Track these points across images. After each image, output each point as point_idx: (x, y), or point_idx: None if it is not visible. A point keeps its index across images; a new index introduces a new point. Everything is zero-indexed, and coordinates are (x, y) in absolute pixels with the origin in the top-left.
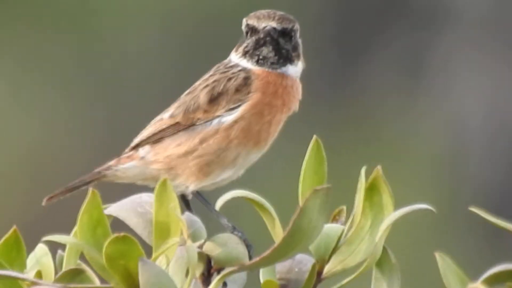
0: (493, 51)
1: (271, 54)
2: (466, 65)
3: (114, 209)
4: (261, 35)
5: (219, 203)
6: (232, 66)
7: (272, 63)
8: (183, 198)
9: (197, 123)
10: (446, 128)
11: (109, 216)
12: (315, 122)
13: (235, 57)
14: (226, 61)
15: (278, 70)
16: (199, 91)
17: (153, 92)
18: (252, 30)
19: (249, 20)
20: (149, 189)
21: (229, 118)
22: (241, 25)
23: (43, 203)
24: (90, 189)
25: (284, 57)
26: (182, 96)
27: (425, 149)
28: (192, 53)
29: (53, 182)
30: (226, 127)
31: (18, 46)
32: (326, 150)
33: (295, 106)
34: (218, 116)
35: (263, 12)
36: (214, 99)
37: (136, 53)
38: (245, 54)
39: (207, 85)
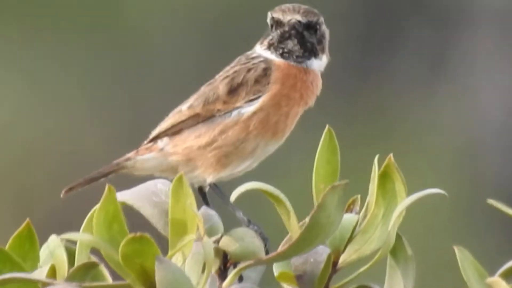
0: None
1: (296, 47)
2: (486, 59)
3: (130, 197)
4: (286, 28)
5: (234, 196)
6: (253, 57)
7: (297, 56)
8: (200, 191)
9: (217, 114)
10: (465, 121)
11: (122, 203)
12: (333, 114)
13: (260, 50)
14: (249, 52)
15: (302, 64)
16: (218, 82)
17: (174, 84)
18: (277, 23)
19: (274, 14)
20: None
21: (249, 109)
22: (264, 18)
23: (62, 195)
24: (107, 185)
25: (309, 50)
26: (202, 87)
27: (444, 142)
28: (214, 45)
29: (72, 174)
30: (246, 118)
31: (38, 40)
32: (343, 141)
33: (311, 101)
34: (238, 107)
35: (288, 5)
36: (233, 90)
37: (158, 45)
38: (269, 46)
39: (227, 76)
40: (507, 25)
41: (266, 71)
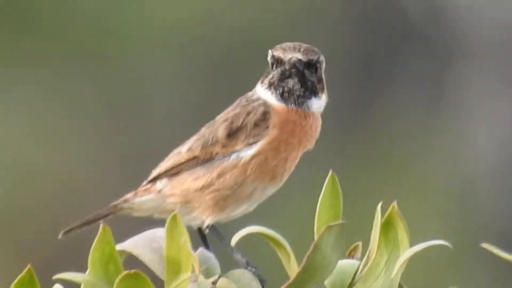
0: (508, 79)
1: (297, 86)
2: (483, 97)
3: (128, 245)
4: (287, 66)
5: (234, 239)
6: (253, 100)
7: (298, 96)
8: (199, 232)
9: (216, 157)
10: (461, 164)
11: (123, 252)
12: (332, 158)
13: (261, 89)
14: (249, 93)
15: (303, 106)
16: (218, 124)
17: (174, 125)
18: (278, 61)
19: (275, 52)
20: (163, 224)
21: (248, 153)
22: (265, 57)
23: (59, 237)
24: (101, 225)
25: (310, 89)
26: (202, 129)
27: (440, 184)
28: (215, 85)
29: (70, 216)
30: (244, 162)
31: (39, 76)
32: (342, 185)
33: (311, 144)
34: (237, 151)
35: (289, 44)
36: (232, 134)
37: (158, 85)
38: (270, 85)
39: (226, 119)
40: (503, 57)
41: (265, 115)
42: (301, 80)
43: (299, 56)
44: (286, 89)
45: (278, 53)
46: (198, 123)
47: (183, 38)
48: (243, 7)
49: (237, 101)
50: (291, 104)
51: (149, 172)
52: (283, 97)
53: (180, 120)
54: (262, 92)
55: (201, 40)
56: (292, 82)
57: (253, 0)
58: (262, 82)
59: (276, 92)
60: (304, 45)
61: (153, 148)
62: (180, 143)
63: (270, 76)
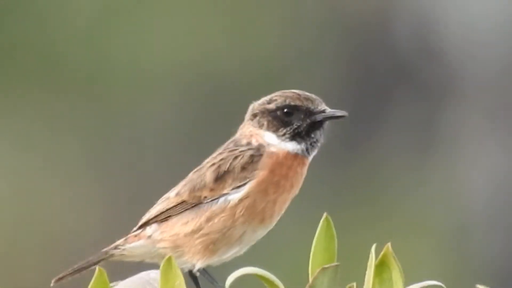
0: (499, 122)
1: (321, 138)
2: (475, 138)
3: (123, 287)
4: (318, 118)
5: (229, 281)
6: (243, 145)
7: (316, 148)
8: (191, 275)
9: (204, 201)
10: (455, 204)
11: None
12: (323, 196)
13: (272, 136)
14: (237, 137)
15: (309, 155)
16: (205, 169)
17: (162, 170)
18: (303, 111)
19: (297, 101)
20: (158, 266)
21: (235, 196)
22: (255, 96)
23: (52, 285)
24: (97, 268)
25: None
26: (190, 174)
27: (434, 224)
28: (205, 129)
29: (62, 261)
30: (232, 205)
31: (30, 111)
32: (336, 225)
33: (298, 189)
34: (225, 194)
35: (307, 94)
36: (220, 178)
37: (146, 129)
38: (296, 135)
39: (213, 164)
40: (494, 97)
41: (253, 158)
42: (324, 132)
43: (328, 108)
44: (314, 140)
45: (305, 103)
46: (187, 169)
47: (172, 80)
48: (235, 48)
49: (224, 146)
50: (307, 153)
51: (139, 217)
52: (308, 148)
53: (169, 165)
54: (275, 139)
55: (190, 83)
56: (319, 134)
57: (246, 40)
58: (276, 131)
59: (304, 143)
60: (315, 95)
61: (144, 194)
62: (170, 187)
63: (295, 126)
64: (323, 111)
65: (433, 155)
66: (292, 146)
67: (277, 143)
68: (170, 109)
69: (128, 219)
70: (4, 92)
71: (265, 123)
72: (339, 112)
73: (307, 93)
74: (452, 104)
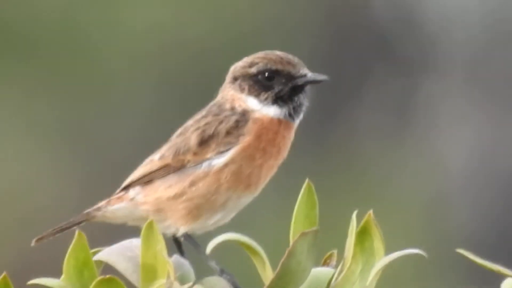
0: (477, 98)
1: (305, 102)
2: (451, 111)
3: (103, 254)
4: (299, 82)
5: (210, 246)
6: (226, 109)
7: (300, 112)
8: (175, 240)
9: (187, 166)
10: (431, 172)
11: (100, 263)
12: (304, 167)
13: (254, 101)
14: (220, 101)
15: (295, 120)
16: (190, 133)
17: (148, 130)
18: (284, 76)
19: (279, 65)
20: (139, 233)
21: (219, 161)
22: (229, 64)
23: (32, 244)
24: (77, 231)
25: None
26: (173, 137)
27: (415, 196)
28: (182, 99)
29: (44, 224)
30: (216, 171)
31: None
32: (318, 194)
33: (286, 154)
34: (208, 159)
35: (290, 56)
36: (204, 142)
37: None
38: (277, 99)
39: (198, 128)
40: (472, 74)
41: (238, 123)
42: (306, 95)
43: (309, 72)
44: (297, 103)
45: (286, 68)
46: (165, 137)
47: (150, 48)
48: (213, 17)
49: (207, 108)
50: (292, 118)
51: (122, 181)
52: (292, 112)
53: (148, 136)
54: (256, 104)
55: (168, 52)
56: (302, 97)
57: (225, 13)
58: (259, 96)
59: (286, 107)
60: (297, 59)
61: (120, 167)
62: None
63: (276, 90)
64: (305, 75)
65: (411, 125)
66: (274, 111)
67: (259, 108)
68: (147, 76)
69: (107, 188)
70: None
71: (246, 87)
72: (320, 76)
73: (289, 56)
74: (431, 78)
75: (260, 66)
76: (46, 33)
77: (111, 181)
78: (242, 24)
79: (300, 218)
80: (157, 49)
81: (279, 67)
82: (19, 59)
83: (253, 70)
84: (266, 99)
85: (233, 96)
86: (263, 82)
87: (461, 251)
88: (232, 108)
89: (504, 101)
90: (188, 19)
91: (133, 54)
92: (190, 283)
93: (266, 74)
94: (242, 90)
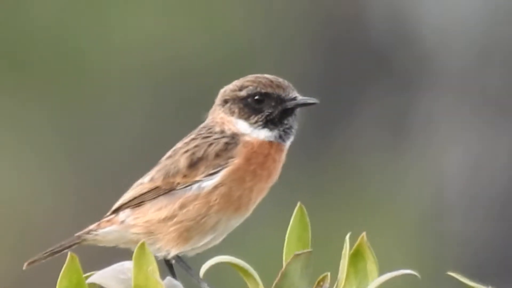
0: (473, 109)
1: (295, 124)
2: (448, 126)
3: (96, 277)
4: (289, 106)
5: (203, 269)
6: (216, 132)
7: (290, 134)
8: (166, 262)
9: (177, 188)
10: (428, 188)
11: (94, 285)
12: (298, 185)
13: (244, 124)
14: (209, 124)
15: (286, 142)
16: (179, 155)
17: (137, 156)
18: (274, 99)
19: (269, 89)
20: (131, 256)
21: (209, 183)
22: (228, 82)
23: (24, 267)
24: (69, 254)
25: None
26: (163, 159)
27: (407, 209)
28: (178, 115)
29: (34, 246)
30: (206, 193)
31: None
32: (311, 214)
33: (277, 177)
34: (198, 181)
35: (280, 80)
36: (193, 164)
37: (120, 114)
38: (267, 122)
39: (187, 150)
40: (467, 86)
41: (228, 146)
42: (295, 118)
43: (299, 95)
44: (287, 126)
45: (276, 91)
46: (159, 153)
47: (143, 61)
48: (206, 35)
49: (196, 131)
50: (283, 140)
51: (111, 201)
52: (283, 134)
53: (142, 150)
54: (247, 128)
55: (161, 65)
56: (292, 120)
57: (219, 26)
58: (248, 119)
59: (277, 130)
60: (287, 82)
61: (115, 179)
62: (142, 173)
63: (266, 113)
64: (294, 99)
65: (408, 140)
66: (264, 134)
67: (249, 131)
68: (140, 88)
69: (100, 202)
70: None
71: (236, 110)
72: (310, 100)
73: (279, 79)
74: (426, 90)
75: (250, 89)
76: (39, 42)
77: (105, 191)
78: (236, 39)
79: (293, 240)
80: (151, 62)
81: (269, 90)
82: (12, 69)
83: (243, 93)
84: (256, 122)
85: (223, 119)
86: (253, 105)
87: (452, 273)
88: (222, 131)
89: (501, 115)
90: (181, 33)
91: (126, 66)
92: None
93: (256, 97)
94: (232, 113)
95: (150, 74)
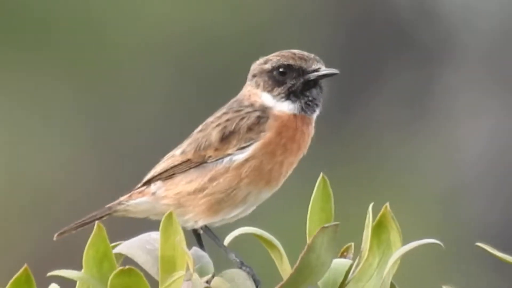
0: (494, 89)
1: (319, 96)
2: (468, 102)
3: (123, 247)
4: (312, 77)
5: (228, 239)
6: (247, 106)
7: (316, 105)
8: (194, 232)
9: (208, 161)
10: (448, 162)
11: (119, 255)
12: (320, 159)
13: (268, 96)
14: (240, 98)
15: (312, 115)
16: (211, 129)
17: (166, 128)
18: (296, 70)
19: (291, 61)
20: (158, 227)
21: (240, 156)
22: (253, 60)
23: (54, 238)
24: (96, 224)
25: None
26: (194, 132)
27: (429, 183)
28: (204, 88)
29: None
30: (237, 166)
31: (19, 86)
32: (332, 187)
33: (306, 150)
34: (229, 155)
35: (303, 53)
36: (225, 138)
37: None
38: (290, 94)
39: (219, 124)
40: (489, 64)
41: (260, 119)
42: (321, 90)
43: (323, 67)
44: (310, 98)
45: (298, 62)
46: (185, 128)
47: (166, 35)
48: (230, 14)
49: (228, 105)
50: (306, 112)
51: (143, 176)
52: (305, 106)
53: (169, 123)
54: (270, 100)
55: (182, 40)
56: (316, 92)
57: (244, 7)
58: (272, 91)
59: (299, 102)
60: (312, 55)
61: (146, 151)
62: (164, 151)
63: (288, 85)
64: (317, 70)
65: (428, 115)
66: (287, 106)
67: (273, 104)
68: (163, 63)
69: (124, 176)
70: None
71: (261, 83)
72: (330, 70)
73: (303, 52)
74: (448, 69)
75: (274, 61)
76: (62, 20)
77: (130, 168)
78: (258, 13)
79: (316, 211)
80: (172, 38)
81: (291, 62)
82: (38, 48)
83: (268, 66)
84: (278, 94)
85: (250, 92)
86: (277, 78)
87: (480, 244)
88: (251, 105)
89: None
90: (204, 7)
91: (148, 42)
92: (209, 275)
93: (280, 69)
94: (257, 86)
95: (171, 50)
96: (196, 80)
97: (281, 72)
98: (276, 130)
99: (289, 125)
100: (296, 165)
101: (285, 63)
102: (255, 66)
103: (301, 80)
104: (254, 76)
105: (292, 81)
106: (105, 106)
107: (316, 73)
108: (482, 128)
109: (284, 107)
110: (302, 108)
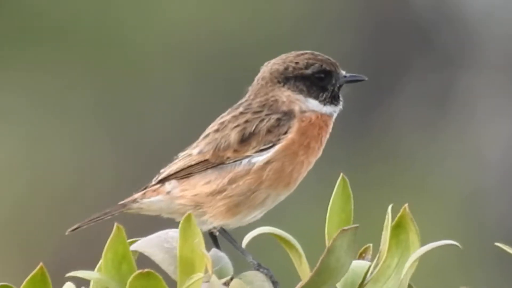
0: None
1: (341, 99)
2: (490, 104)
3: (140, 245)
4: (342, 82)
5: (246, 240)
6: (269, 106)
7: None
8: (211, 234)
9: (226, 162)
10: (470, 164)
11: (135, 252)
12: (341, 160)
13: (314, 102)
14: (262, 100)
15: (333, 114)
16: (229, 130)
17: (185, 129)
18: (332, 76)
19: (330, 66)
20: (176, 224)
21: (259, 158)
22: (268, 58)
23: (67, 233)
24: (115, 224)
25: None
26: (211, 132)
27: (449, 185)
28: (217, 86)
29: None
30: (258, 168)
31: (38, 87)
32: (352, 188)
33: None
34: (248, 156)
35: (331, 58)
36: (245, 139)
37: (161, 86)
38: (331, 99)
39: (238, 125)
40: (510, 68)
41: (279, 122)
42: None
43: (345, 73)
44: (341, 101)
45: (333, 68)
46: (203, 128)
47: (186, 38)
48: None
49: (245, 104)
50: (333, 112)
51: (155, 168)
52: (338, 109)
53: (187, 124)
54: (317, 105)
55: (201, 43)
56: (340, 96)
57: (264, 4)
58: (317, 96)
59: (337, 106)
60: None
61: (164, 152)
62: (184, 144)
63: (330, 90)
64: (344, 76)
65: (450, 117)
66: (330, 109)
67: (319, 109)
68: (182, 64)
69: (142, 178)
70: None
71: (305, 88)
72: (359, 77)
73: (330, 58)
74: (470, 71)
75: (316, 67)
76: (82, 21)
77: (147, 169)
78: (280, 18)
79: (335, 211)
80: (193, 41)
81: (331, 68)
82: (56, 47)
83: (309, 71)
84: (325, 99)
85: (290, 98)
86: (317, 83)
87: (500, 244)
88: (290, 111)
89: None
90: (225, 11)
91: (169, 45)
92: (229, 277)
93: (321, 75)
94: (300, 91)
95: (193, 54)
96: (214, 82)
97: (320, 77)
98: (300, 130)
99: (316, 123)
100: (312, 166)
101: (327, 69)
102: (290, 70)
103: (337, 85)
104: (287, 79)
105: (331, 87)
106: (123, 107)
107: (346, 79)
108: (504, 131)
109: (327, 111)
110: (337, 111)
